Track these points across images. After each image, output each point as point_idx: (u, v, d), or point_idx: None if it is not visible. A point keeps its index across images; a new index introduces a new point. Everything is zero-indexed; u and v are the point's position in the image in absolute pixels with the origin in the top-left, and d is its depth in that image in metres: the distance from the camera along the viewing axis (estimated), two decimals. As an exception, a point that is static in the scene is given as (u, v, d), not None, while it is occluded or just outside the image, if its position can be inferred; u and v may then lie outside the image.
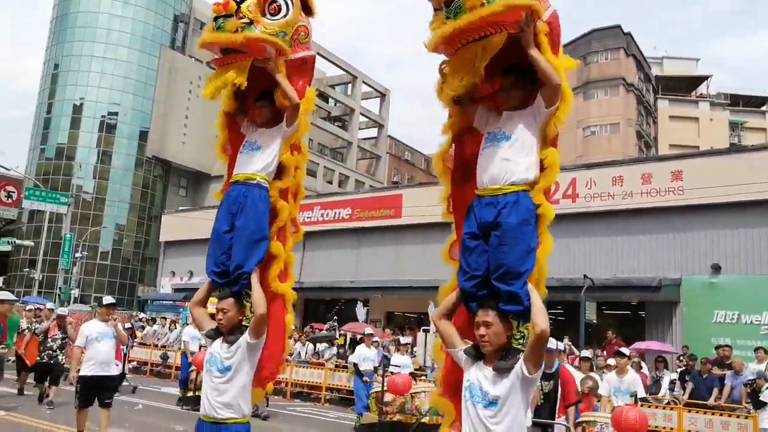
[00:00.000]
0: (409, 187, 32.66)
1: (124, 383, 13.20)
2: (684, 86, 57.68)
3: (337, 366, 15.80)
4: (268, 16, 4.00)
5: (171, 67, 47.14)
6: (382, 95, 59.20)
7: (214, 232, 4.17)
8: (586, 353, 9.56)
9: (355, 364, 12.37)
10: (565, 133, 49.19)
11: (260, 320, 3.80)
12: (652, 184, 18.40)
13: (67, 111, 48.03)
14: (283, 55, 4.11)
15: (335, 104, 57.66)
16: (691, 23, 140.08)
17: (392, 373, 11.32)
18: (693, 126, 53.70)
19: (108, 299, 8.50)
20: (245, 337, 3.86)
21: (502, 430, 2.96)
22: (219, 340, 3.94)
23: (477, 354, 3.12)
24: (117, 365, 8.69)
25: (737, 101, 58.40)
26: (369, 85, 57.48)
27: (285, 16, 4.04)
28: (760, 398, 10.05)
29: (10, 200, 33.18)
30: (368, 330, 13.43)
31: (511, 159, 3.24)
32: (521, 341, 3.05)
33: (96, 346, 7.89)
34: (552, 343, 7.64)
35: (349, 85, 57.28)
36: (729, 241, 17.37)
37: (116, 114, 47.30)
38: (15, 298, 8.01)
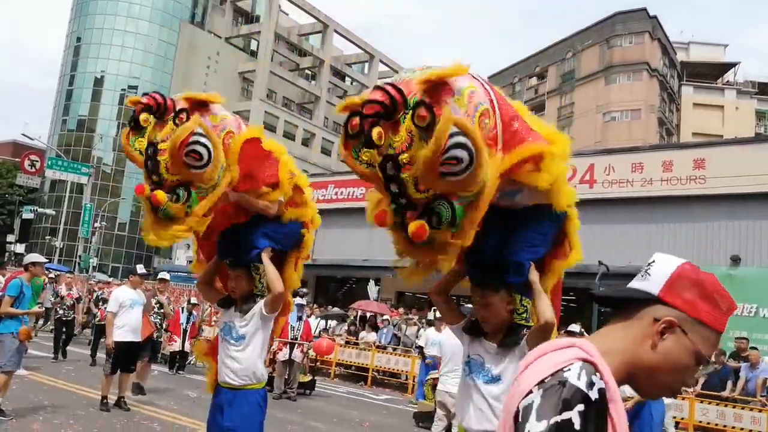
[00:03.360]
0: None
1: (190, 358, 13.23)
2: (710, 73, 56.59)
3: (347, 342, 15.94)
4: (195, 166, 3.31)
5: (190, 41, 47.17)
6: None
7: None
8: (574, 327, 9.07)
9: (420, 348, 11.78)
10: (585, 118, 48.69)
11: (278, 298, 3.88)
12: (673, 172, 18.14)
13: (88, 84, 48.41)
14: (233, 185, 3.61)
15: (351, 83, 57.45)
16: (723, 7, 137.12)
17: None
18: (717, 114, 52.74)
19: (141, 269, 8.86)
20: (260, 307, 3.93)
21: (496, 411, 2.97)
22: (232, 309, 4.01)
23: (475, 330, 3.12)
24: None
25: (766, 90, 57.21)
26: (386, 64, 57.11)
27: (209, 156, 3.32)
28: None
29: (33, 169, 33.68)
30: (434, 315, 11.71)
31: (497, 407, 2.97)
32: (524, 315, 3.02)
33: (129, 312, 8.18)
34: (575, 327, 7.68)
35: (366, 64, 56.96)
36: (750, 232, 17.13)
37: (136, 87, 47.54)
38: (45, 260, 8.19)
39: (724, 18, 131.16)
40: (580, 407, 1.10)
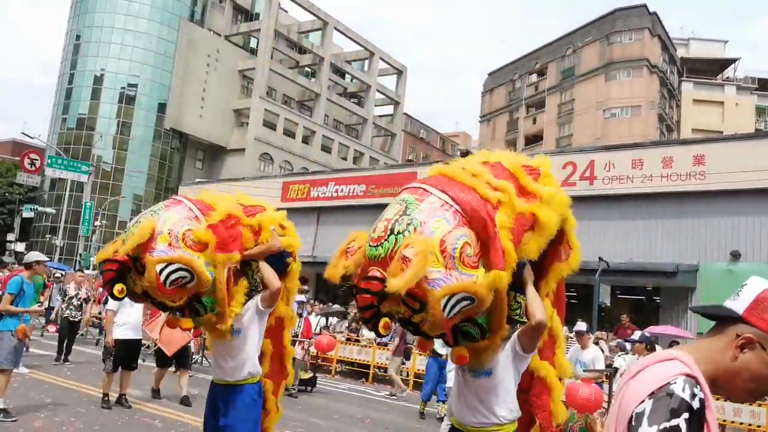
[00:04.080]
0: (424, 165, 32.45)
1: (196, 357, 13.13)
2: (710, 69, 56.52)
3: (348, 339, 15.98)
4: (188, 286, 3.56)
5: (190, 40, 47.08)
6: (399, 72, 58.75)
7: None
8: (581, 326, 9.05)
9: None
10: (585, 115, 48.66)
11: (275, 293, 3.91)
12: (673, 168, 18.16)
13: (88, 82, 48.30)
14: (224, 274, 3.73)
15: (351, 80, 57.37)
16: (723, 3, 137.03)
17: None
18: (717, 110, 52.69)
19: None
20: (256, 302, 3.96)
21: (495, 400, 3.00)
22: None
23: None
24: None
25: (766, 86, 57.12)
26: (386, 62, 57.05)
27: (192, 277, 3.52)
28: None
29: (33, 167, 33.67)
30: None
31: (493, 401, 3.04)
32: (518, 311, 3.05)
33: (129, 310, 8.17)
34: (582, 326, 7.75)
35: (366, 62, 56.90)
36: (750, 228, 17.14)
37: (135, 86, 47.47)
38: (47, 258, 8.24)
39: (724, 14, 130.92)
40: (686, 415, 1.35)
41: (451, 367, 6.80)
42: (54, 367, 11.25)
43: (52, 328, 16.16)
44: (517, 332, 3.00)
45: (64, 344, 12.24)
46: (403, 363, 13.95)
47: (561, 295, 3.40)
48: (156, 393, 9.20)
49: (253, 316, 3.96)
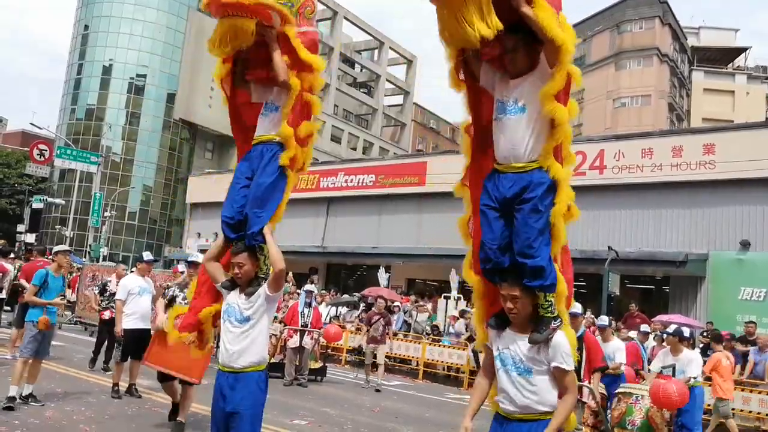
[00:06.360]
0: (434, 155, 32.44)
1: None
2: (721, 58, 55.99)
3: (358, 329, 16.02)
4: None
5: (199, 29, 47.01)
6: (409, 62, 58.49)
7: (231, 186, 4.29)
8: (603, 320, 9.26)
9: None
10: (594, 104, 48.33)
11: (279, 275, 3.96)
12: (683, 157, 18.04)
13: (96, 72, 48.42)
14: (288, 23, 4.10)
15: (361, 70, 57.17)
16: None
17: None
18: (728, 99, 52.23)
19: (148, 255, 8.82)
20: (264, 289, 3.99)
21: (537, 396, 3.02)
22: (235, 292, 4.05)
23: (499, 324, 3.18)
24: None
25: (776, 74, 56.57)
26: (396, 51, 56.81)
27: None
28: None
29: (42, 158, 33.82)
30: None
31: (529, 134, 3.12)
32: (549, 309, 3.05)
33: (137, 300, 8.27)
34: (577, 307, 7.66)
35: (376, 51, 56.68)
36: (760, 217, 17.03)
37: (144, 76, 47.56)
38: (70, 248, 8.42)
39: (735, 2, 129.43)
40: None
41: None
42: (65, 356, 11.31)
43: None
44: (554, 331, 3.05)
45: (102, 347, 10.34)
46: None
47: (567, 259, 3.34)
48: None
49: (263, 303, 3.99)
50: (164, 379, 6.90)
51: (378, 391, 11.62)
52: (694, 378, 8.10)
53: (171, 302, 6.95)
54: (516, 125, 3.13)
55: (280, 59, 4.13)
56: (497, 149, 3.22)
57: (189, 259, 7.55)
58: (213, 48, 4.19)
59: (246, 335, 3.95)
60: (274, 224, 4.22)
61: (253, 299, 3.97)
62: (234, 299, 4.03)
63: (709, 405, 9.73)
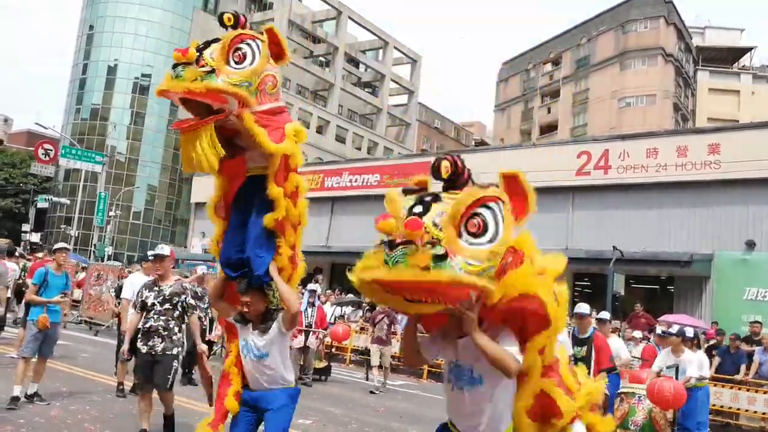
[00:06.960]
0: (439, 155, 32.40)
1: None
2: (726, 57, 55.81)
3: (362, 328, 16.02)
4: (232, 64, 3.70)
5: (203, 29, 47.08)
6: (414, 61, 58.47)
7: (229, 227, 4.16)
8: (605, 315, 9.01)
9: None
10: (599, 104, 48.26)
11: (294, 317, 4.01)
12: (688, 157, 18.01)
13: (101, 72, 48.57)
14: (246, 107, 3.76)
15: (365, 70, 57.18)
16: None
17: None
18: (733, 99, 52.05)
19: (162, 249, 8.66)
20: (278, 327, 4.03)
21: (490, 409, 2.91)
22: (249, 327, 4.10)
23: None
24: None
25: (782, 74, 56.32)
26: (400, 51, 56.79)
27: (251, 64, 3.75)
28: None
29: (47, 158, 33.91)
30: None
31: (489, 411, 2.89)
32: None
33: None
34: (585, 308, 7.57)
35: (380, 51, 56.69)
36: (765, 217, 16.98)
37: (149, 76, 47.65)
38: (68, 246, 8.39)
39: (741, 2, 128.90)
40: None
41: None
42: (69, 355, 11.34)
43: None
44: None
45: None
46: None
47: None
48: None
49: (277, 339, 4.04)
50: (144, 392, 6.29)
51: (372, 393, 11.44)
52: (695, 378, 8.07)
53: (143, 308, 6.08)
54: (477, 398, 2.96)
55: (261, 135, 3.83)
56: (456, 418, 3.16)
57: (155, 252, 6.63)
58: (187, 169, 3.95)
59: (267, 367, 4.06)
60: (300, 228, 4.15)
61: (267, 337, 4.04)
62: (248, 336, 4.08)
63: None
